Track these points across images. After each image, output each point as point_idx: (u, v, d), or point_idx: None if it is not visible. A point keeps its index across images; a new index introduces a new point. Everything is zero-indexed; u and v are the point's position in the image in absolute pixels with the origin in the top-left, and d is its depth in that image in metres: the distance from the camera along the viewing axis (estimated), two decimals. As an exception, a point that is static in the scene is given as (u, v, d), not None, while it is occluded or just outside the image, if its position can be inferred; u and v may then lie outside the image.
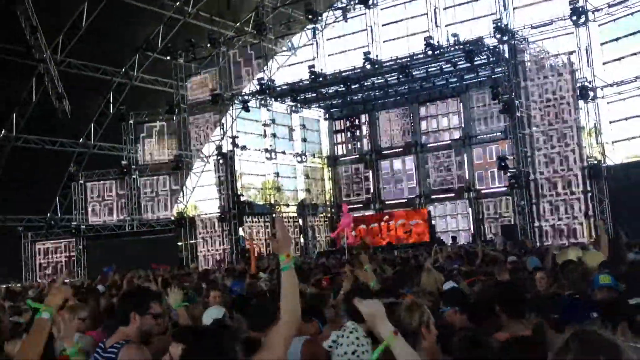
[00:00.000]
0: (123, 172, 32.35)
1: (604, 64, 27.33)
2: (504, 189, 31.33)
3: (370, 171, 38.41)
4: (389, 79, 33.02)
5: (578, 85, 26.62)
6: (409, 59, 29.94)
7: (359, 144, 39.30)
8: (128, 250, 27.67)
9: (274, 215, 32.61)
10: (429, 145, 36.84)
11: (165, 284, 8.71)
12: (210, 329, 4.34)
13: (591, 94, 26.68)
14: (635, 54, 26.23)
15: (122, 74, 32.56)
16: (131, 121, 33.12)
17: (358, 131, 39.16)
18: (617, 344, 2.34)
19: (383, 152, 38.24)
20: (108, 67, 31.69)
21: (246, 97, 33.31)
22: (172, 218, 32.58)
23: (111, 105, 33.40)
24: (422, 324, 3.39)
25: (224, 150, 32.47)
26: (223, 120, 33.71)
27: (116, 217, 32.89)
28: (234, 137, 32.93)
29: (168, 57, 32.34)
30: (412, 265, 11.26)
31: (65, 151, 32.03)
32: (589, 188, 25.64)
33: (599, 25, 27.23)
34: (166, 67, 33.03)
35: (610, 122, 27.41)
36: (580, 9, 26.17)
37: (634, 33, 26.19)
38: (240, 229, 31.47)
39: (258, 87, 32.73)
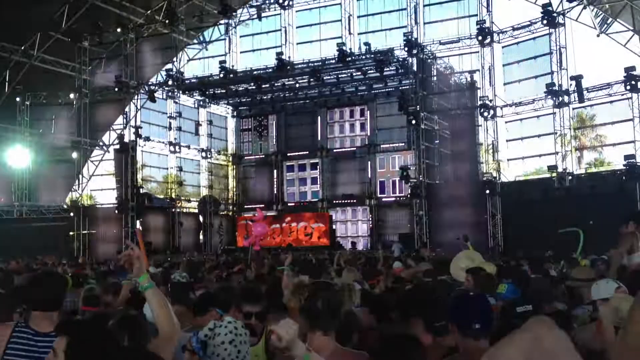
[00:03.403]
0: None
1: (504, 84, 28.62)
2: (405, 198, 32.11)
3: (275, 172, 38.43)
4: (299, 81, 33.06)
5: (479, 103, 27.74)
6: (320, 63, 30.18)
7: (265, 144, 39.22)
8: (15, 237, 26.05)
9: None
10: (334, 150, 37.26)
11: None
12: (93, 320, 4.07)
13: (491, 112, 27.84)
14: (535, 77, 27.57)
15: (21, 53, 30.74)
16: (27, 102, 31.48)
17: (265, 131, 39.10)
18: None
19: (288, 154, 38.31)
20: (7, 44, 29.85)
21: (153, 87, 32.45)
22: (65, 206, 31.17)
23: (6, 84, 31.50)
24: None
25: (126, 139, 31.42)
26: (127, 109, 32.60)
27: (4, 201, 31.07)
28: (137, 127, 32.00)
29: (71, 40, 30.77)
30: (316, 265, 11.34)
31: (-48, 128, 29.89)
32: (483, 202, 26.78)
33: (503, 47, 28.50)
34: (70, 49, 31.46)
35: (507, 141, 28.72)
36: (486, 30, 27.28)
37: (535, 57, 27.52)
38: (137, 221, 30.56)
39: (166, 78, 31.96)
